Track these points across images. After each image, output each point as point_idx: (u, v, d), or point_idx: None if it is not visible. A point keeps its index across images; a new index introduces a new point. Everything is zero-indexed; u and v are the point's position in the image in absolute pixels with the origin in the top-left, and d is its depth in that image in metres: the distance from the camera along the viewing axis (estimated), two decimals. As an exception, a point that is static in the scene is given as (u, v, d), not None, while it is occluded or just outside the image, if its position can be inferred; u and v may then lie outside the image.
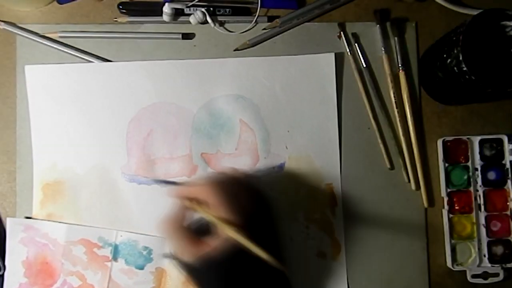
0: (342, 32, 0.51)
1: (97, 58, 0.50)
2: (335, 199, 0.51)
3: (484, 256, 0.51)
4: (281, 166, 0.50)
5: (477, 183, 0.51)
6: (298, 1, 0.51)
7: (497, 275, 0.51)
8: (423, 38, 0.52)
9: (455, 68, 0.44)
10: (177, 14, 0.50)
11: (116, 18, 0.50)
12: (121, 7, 0.50)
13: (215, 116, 0.50)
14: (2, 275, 0.48)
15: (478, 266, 0.51)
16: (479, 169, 0.51)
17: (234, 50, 0.51)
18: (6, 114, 0.50)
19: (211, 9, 0.50)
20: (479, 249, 0.51)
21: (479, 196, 0.51)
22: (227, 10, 0.51)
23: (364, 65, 0.51)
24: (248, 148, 0.50)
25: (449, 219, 0.51)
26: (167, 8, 0.49)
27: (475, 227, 0.51)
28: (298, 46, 0.51)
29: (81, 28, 0.50)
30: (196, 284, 0.38)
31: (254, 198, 0.41)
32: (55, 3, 0.51)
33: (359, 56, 0.51)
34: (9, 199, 0.49)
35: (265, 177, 0.50)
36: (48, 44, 0.49)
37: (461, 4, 0.53)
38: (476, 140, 0.51)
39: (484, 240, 0.51)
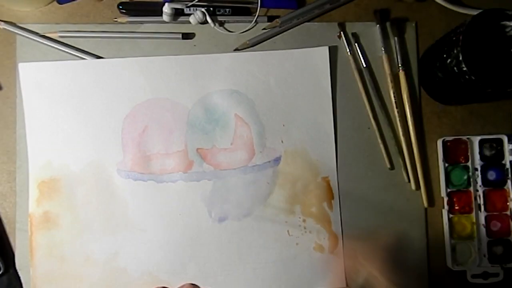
0: (342, 32, 0.51)
1: (97, 58, 0.50)
2: (331, 192, 0.51)
3: (484, 256, 0.51)
4: (277, 160, 0.50)
5: (477, 183, 0.51)
6: (298, 1, 0.51)
7: (497, 275, 0.51)
8: (423, 38, 0.52)
9: (455, 68, 0.44)
10: (177, 14, 0.50)
11: (116, 18, 0.50)
12: (121, 7, 0.50)
13: (210, 111, 0.50)
14: (2, 275, 0.48)
15: (478, 266, 0.50)
16: (479, 169, 0.51)
17: (234, 50, 0.51)
18: (6, 114, 0.50)
19: (211, 9, 0.50)
20: (479, 249, 0.51)
21: (479, 196, 0.51)
22: (227, 10, 0.51)
23: (364, 65, 0.51)
24: (244, 142, 0.50)
25: (449, 219, 0.51)
26: (167, 8, 0.48)
27: (475, 227, 0.51)
28: (298, 46, 0.51)
29: (81, 28, 0.50)
30: None
31: None
32: (55, 3, 0.51)
33: (359, 56, 0.51)
34: (9, 199, 0.49)
35: (261, 171, 0.50)
36: (48, 44, 0.49)
37: (461, 4, 0.53)
38: (476, 140, 0.51)
39: (484, 240, 0.51)
